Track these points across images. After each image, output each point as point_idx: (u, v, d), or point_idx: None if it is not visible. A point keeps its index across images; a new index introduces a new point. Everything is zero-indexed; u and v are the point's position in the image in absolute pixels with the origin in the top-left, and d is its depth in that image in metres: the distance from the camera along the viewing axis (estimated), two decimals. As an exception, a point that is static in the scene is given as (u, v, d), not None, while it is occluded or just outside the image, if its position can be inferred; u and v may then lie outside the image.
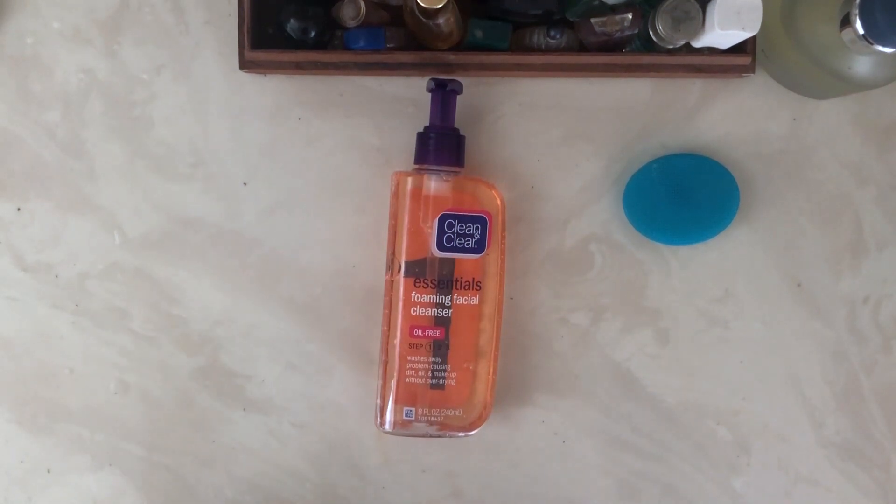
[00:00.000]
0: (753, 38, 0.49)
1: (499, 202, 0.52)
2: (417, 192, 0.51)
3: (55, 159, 0.55)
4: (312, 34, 0.51)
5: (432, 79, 0.50)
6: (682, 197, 0.53)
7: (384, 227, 0.52)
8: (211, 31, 0.54)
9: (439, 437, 0.52)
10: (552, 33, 0.51)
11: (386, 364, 0.52)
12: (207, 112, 0.55)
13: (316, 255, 0.55)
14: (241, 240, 0.55)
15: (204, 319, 0.56)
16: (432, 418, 0.51)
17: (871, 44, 0.43)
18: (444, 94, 0.51)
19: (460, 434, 0.52)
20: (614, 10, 0.49)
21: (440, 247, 0.51)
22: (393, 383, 0.51)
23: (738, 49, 0.50)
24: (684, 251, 0.55)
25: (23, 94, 0.55)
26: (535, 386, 0.55)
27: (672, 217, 0.53)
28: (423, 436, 0.52)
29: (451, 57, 0.50)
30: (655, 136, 0.54)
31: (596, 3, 0.49)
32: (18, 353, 0.56)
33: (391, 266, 0.52)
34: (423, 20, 0.47)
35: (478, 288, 0.52)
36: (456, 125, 0.51)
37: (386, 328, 0.52)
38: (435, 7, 0.45)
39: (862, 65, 0.46)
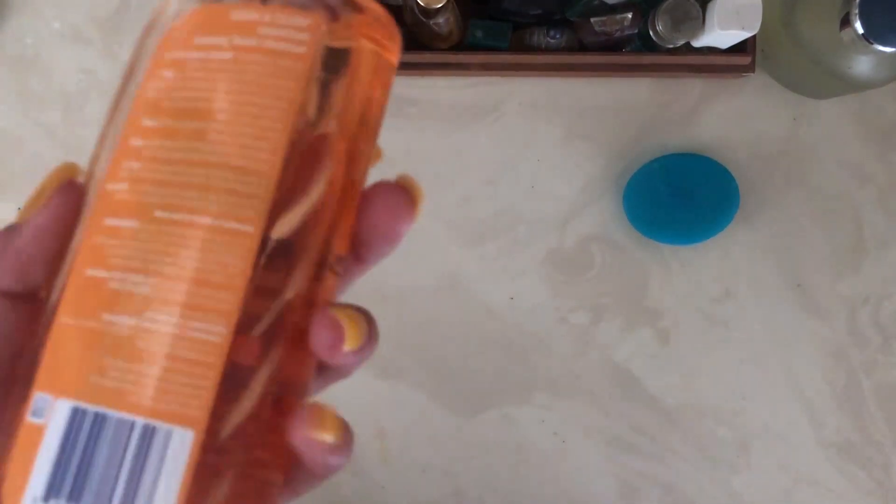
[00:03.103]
0: (753, 38, 0.49)
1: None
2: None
3: (55, 159, 0.55)
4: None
5: None
6: (683, 197, 0.53)
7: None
8: (211, 31, 0.54)
9: None
10: (552, 33, 0.51)
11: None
12: (207, 112, 0.55)
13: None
14: (241, 240, 0.55)
15: (204, 319, 0.56)
16: None
17: (871, 43, 0.43)
18: None
19: None
20: (614, 9, 0.49)
21: None
22: None
23: (738, 49, 0.50)
24: (684, 251, 0.55)
25: (23, 94, 0.55)
26: (535, 386, 0.55)
27: (672, 217, 0.53)
28: None
29: (451, 57, 0.50)
30: (655, 136, 0.54)
31: (596, 2, 0.49)
32: (18, 353, 0.56)
33: None
34: (423, 20, 0.47)
35: None
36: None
37: None
38: (435, 7, 0.45)
39: (862, 64, 0.46)
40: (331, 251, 0.22)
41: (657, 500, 0.56)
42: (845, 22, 0.44)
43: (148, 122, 0.21)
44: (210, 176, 0.20)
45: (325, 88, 0.22)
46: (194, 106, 0.20)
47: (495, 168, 0.54)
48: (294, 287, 0.22)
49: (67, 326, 0.20)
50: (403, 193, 0.24)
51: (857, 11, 0.43)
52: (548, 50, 0.51)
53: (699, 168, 0.53)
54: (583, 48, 0.51)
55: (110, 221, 0.20)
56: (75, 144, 0.55)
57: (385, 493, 0.56)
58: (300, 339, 0.22)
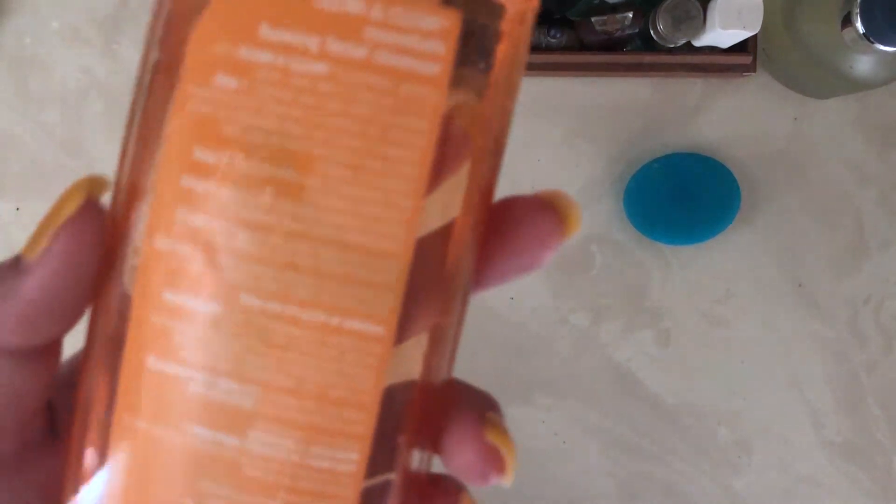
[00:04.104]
0: (754, 37, 0.49)
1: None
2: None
3: (54, 159, 0.55)
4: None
5: None
6: (683, 197, 0.53)
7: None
8: (210, 31, 0.54)
9: None
10: (552, 32, 0.50)
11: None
12: (207, 112, 0.55)
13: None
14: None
15: (203, 319, 0.55)
16: None
17: (872, 43, 0.43)
18: None
19: None
20: (615, 9, 0.49)
21: None
22: None
23: (739, 48, 0.50)
24: (685, 251, 0.55)
25: (22, 94, 0.55)
26: (535, 386, 0.55)
27: (673, 217, 0.53)
28: None
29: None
30: (656, 136, 0.54)
31: (597, 1, 0.49)
32: (18, 354, 0.56)
33: None
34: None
35: None
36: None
37: None
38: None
39: (863, 64, 0.46)
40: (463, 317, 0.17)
41: (657, 500, 0.56)
42: (846, 21, 0.44)
43: (206, 157, 0.15)
44: (319, 256, 0.15)
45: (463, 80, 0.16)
46: (279, 144, 0.15)
47: (495, 168, 0.54)
48: (428, 375, 0.17)
49: (132, 429, 0.16)
50: (552, 214, 0.18)
51: (858, 11, 0.43)
52: (548, 49, 0.51)
53: (700, 168, 0.53)
54: (583, 48, 0.51)
55: (174, 298, 0.15)
56: (74, 144, 0.55)
57: (385, 494, 0.56)
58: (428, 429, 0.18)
